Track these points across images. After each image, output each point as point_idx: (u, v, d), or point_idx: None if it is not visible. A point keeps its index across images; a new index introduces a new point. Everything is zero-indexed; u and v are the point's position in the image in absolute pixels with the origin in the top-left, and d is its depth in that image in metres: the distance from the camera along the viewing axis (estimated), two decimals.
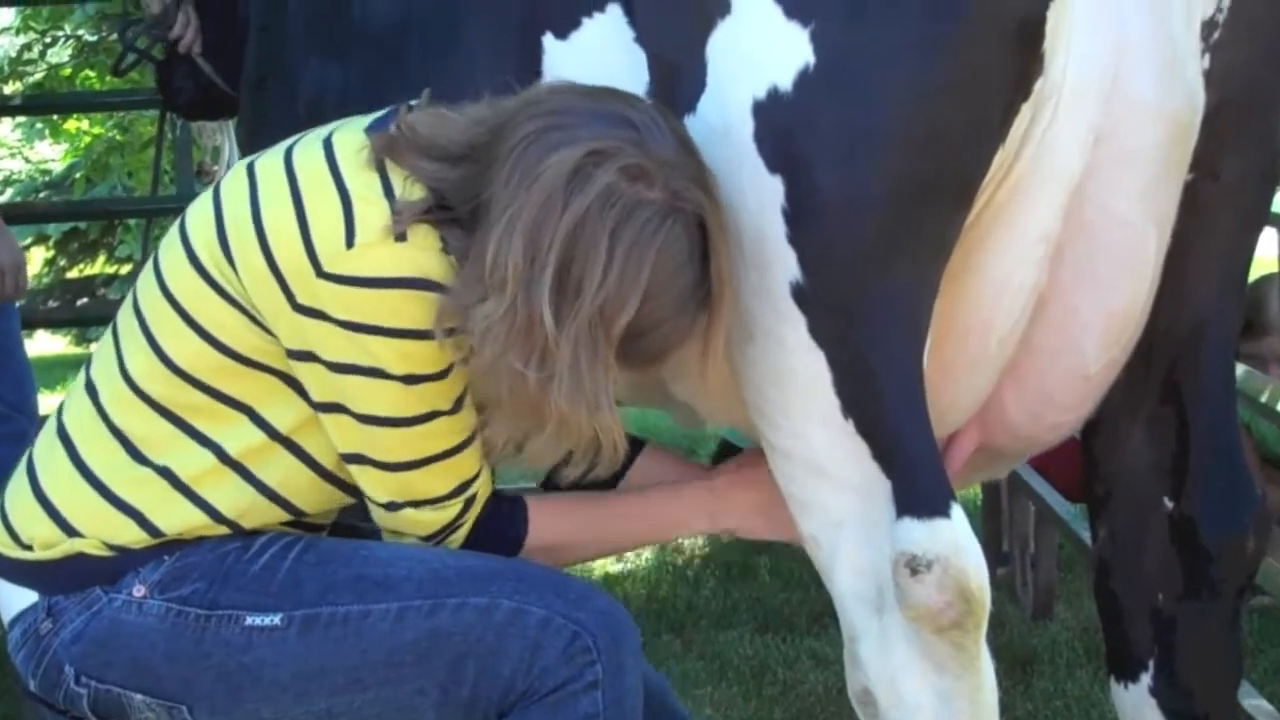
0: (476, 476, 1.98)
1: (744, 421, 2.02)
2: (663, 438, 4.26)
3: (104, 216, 10.94)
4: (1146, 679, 2.15)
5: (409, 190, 1.87)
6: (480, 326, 1.79)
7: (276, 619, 1.92)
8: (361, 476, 1.95)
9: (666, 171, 1.80)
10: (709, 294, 1.84)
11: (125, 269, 13.22)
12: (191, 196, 4.98)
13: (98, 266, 14.10)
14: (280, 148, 1.97)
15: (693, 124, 1.88)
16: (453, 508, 1.97)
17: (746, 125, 1.83)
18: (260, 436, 1.95)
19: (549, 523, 2.04)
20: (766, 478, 2.03)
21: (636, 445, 2.15)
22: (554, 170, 1.78)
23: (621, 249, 1.77)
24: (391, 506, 1.96)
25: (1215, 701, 2.15)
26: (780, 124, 1.82)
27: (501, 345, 1.79)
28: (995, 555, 4.13)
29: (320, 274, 1.85)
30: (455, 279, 1.84)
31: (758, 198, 1.84)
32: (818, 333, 1.85)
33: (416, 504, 1.96)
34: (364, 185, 1.88)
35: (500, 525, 2.02)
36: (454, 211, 1.86)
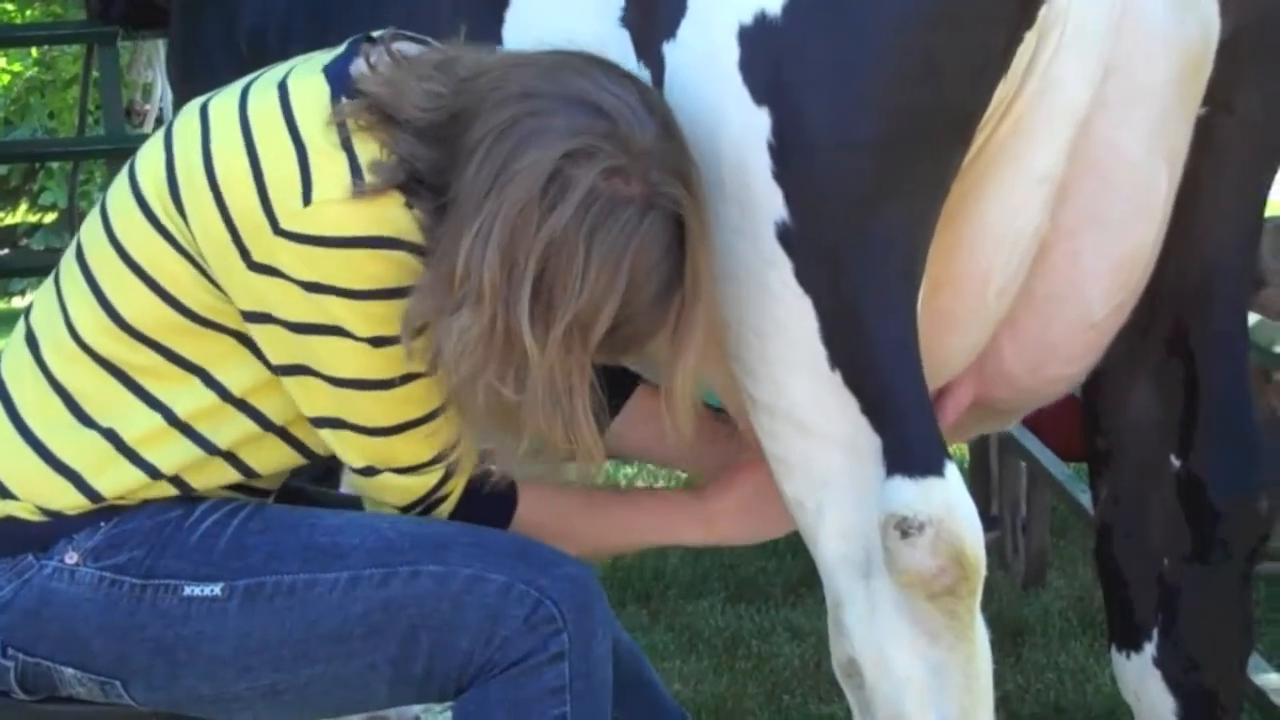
0: (457, 444, 1.96)
1: (718, 378, 2.01)
2: None
3: (26, 159, 10.86)
4: (1150, 648, 2.15)
5: (380, 155, 1.84)
6: (454, 342, 1.78)
7: (217, 589, 1.90)
8: (336, 441, 1.94)
9: (645, 163, 1.78)
10: (682, 286, 1.83)
11: (49, 217, 13.14)
12: (121, 139, 4.96)
13: (19, 215, 14.00)
14: (235, 88, 1.94)
15: (672, 50, 1.86)
16: (433, 474, 1.96)
17: (731, 52, 1.82)
18: (212, 398, 1.93)
19: (540, 505, 2.04)
20: (754, 476, 2.05)
21: (630, 382, 2.16)
22: (528, 175, 1.76)
23: (598, 254, 1.76)
24: (369, 471, 1.95)
25: (1223, 673, 2.15)
26: (768, 52, 1.80)
27: (480, 362, 1.78)
28: (984, 519, 4.13)
29: (277, 231, 1.83)
30: (422, 274, 1.82)
31: (742, 131, 1.82)
32: (804, 278, 1.84)
33: (397, 470, 1.94)
34: (321, 137, 1.85)
35: (488, 501, 2.01)
36: (422, 190, 1.84)
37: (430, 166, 1.83)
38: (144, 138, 2.03)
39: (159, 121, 5.56)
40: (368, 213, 1.83)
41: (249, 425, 1.95)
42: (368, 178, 1.83)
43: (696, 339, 1.84)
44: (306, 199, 1.83)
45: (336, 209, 1.83)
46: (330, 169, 1.84)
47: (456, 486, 1.99)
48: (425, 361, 1.83)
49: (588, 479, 2.00)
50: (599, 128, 1.78)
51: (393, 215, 1.83)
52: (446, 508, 1.99)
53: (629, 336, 1.83)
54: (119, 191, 1.96)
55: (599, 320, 1.78)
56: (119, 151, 4.48)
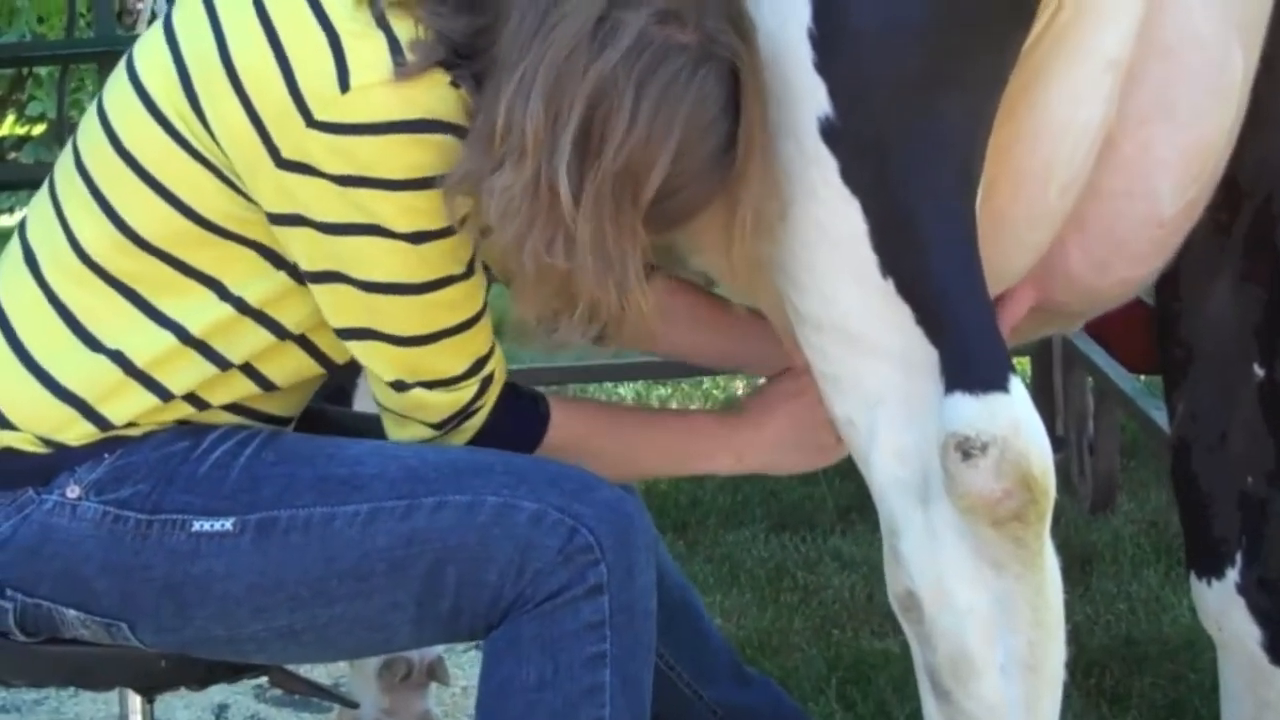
0: (491, 353, 1.97)
1: (770, 299, 1.99)
2: None
3: (11, 64, 10.82)
4: (1233, 575, 2.14)
5: (417, 32, 1.84)
6: (499, 202, 1.78)
7: (228, 524, 1.91)
8: (365, 353, 1.94)
9: (700, 10, 1.78)
10: (737, 150, 1.82)
11: (38, 129, 13.12)
12: (113, 40, 4.94)
13: (6, 128, 13.99)
14: None
15: None
16: (468, 388, 1.96)
17: None
18: (228, 311, 1.93)
19: (570, 422, 2.05)
20: (790, 407, 2.07)
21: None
22: (575, 19, 1.76)
23: (649, 103, 1.76)
24: (400, 386, 1.95)
25: None
26: None
27: (525, 223, 1.78)
28: (1049, 439, 4.12)
29: (311, 123, 1.83)
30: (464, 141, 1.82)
31: (779, 16, 1.80)
32: (851, 177, 1.82)
33: (428, 384, 1.95)
34: (350, 18, 1.85)
35: (519, 416, 2.02)
36: (465, 65, 1.84)
37: (470, 33, 1.83)
38: (137, 39, 2.01)
39: (152, 22, 5.53)
40: (412, 94, 1.82)
41: (266, 336, 1.95)
42: (409, 56, 1.82)
43: (749, 215, 1.84)
44: (344, 85, 1.82)
45: (379, 93, 1.82)
46: (368, 49, 1.83)
47: (490, 399, 1.99)
48: (472, 233, 1.84)
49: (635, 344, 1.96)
50: None
51: (438, 95, 1.83)
52: (477, 421, 1.99)
53: (681, 207, 1.83)
54: (119, 94, 1.94)
55: (650, 177, 1.77)
56: (111, 54, 4.48)
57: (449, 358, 1.94)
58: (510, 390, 2.02)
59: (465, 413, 1.98)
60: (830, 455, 2.12)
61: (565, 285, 1.81)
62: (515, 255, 1.81)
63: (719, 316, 2.24)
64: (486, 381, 1.97)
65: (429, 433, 1.99)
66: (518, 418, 2.02)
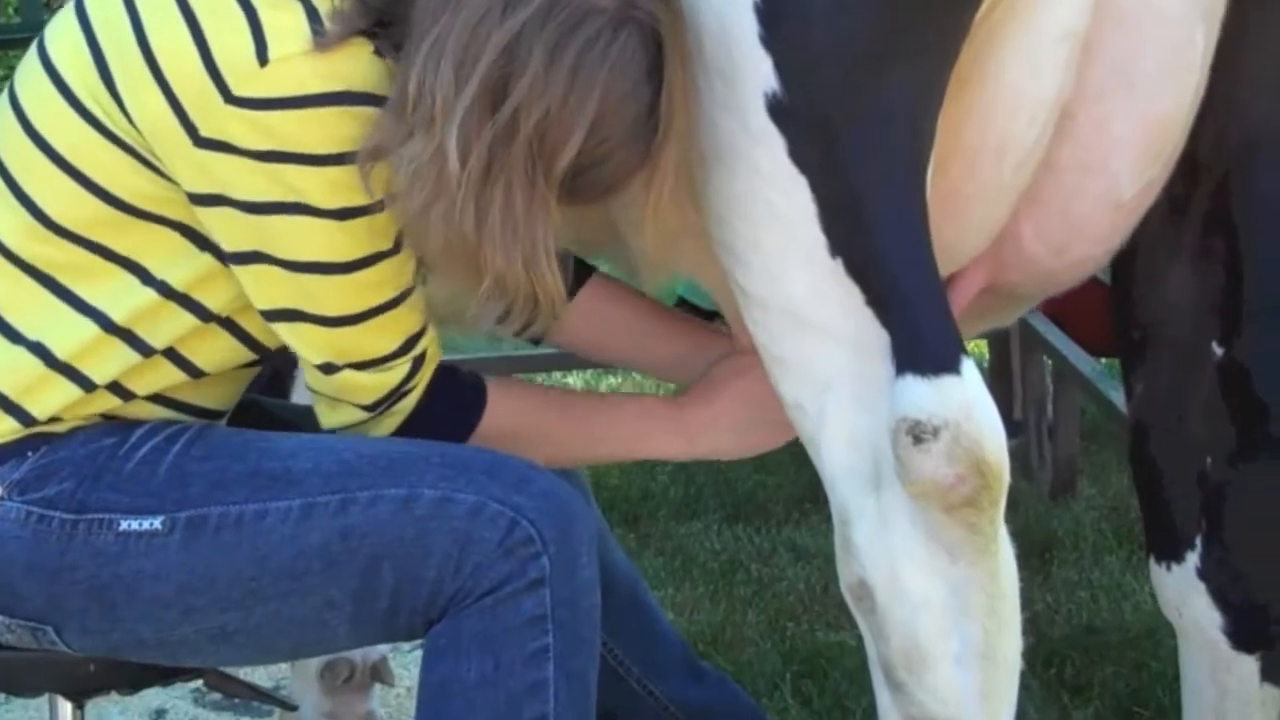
0: (423, 331, 1.96)
1: (690, 265, 1.98)
2: None
3: None
4: (1193, 559, 2.15)
5: (335, 1, 1.84)
6: (407, 170, 1.78)
7: (156, 522, 1.90)
8: (293, 335, 1.93)
9: None
10: (659, 119, 1.81)
11: None
12: (39, 26, 4.89)
13: None
14: None
15: None
16: (399, 368, 1.95)
17: None
18: (151, 296, 1.92)
19: (509, 404, 2.04)
20: (741, 387, 2.06)
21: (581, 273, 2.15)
22: None
23: (564, 68, 1.75)
24: (329, 369, 1.94)
25: (1274, 585, 2.14)
26: None
27: (431, 192, 1.77)
28: (1007, 424, 4.13)
29: (229, 99, 1.82)
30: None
31: None
32: (799, 155, 1.82)
33: (358, 365, 1.94)
34: None
35: (454, 399, 2.01)
36: (387, 33, 1.84)
37: (388, 0, 1.82)
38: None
39: None
40: (333, 65, 1.82)
41: (190, 320, 1.94)
42: (328, 25, 1.82)
43: (667, 182, 1.83)
44: (262, 58, 1.81)
45: (298, 64, 1.81)
46: (285, 20, 1.82)
47: (423, 380, 1.98)
48: (387, 206, 1.83)
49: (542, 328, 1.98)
50: None
51: (361, 65, 1.83)
52: (410, 402, 1.98)
53: (603, 179, 1.82)
54: (31, 78, 1.93)
55: (566, 146, 1.76)
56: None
57: (379, 336, 1.93)
58: (447, 373, 2.01)
59: (398, 393, 1.97)
60: (786, 433, 2.11)
61: (473, 259, 1.80)
62: (422, 226, 1.80)
63: (663, 325, 2.22)
64: (419, 361, 1.96)
65: (361, 415, 1.98)
66: (453, 401, 2.01)
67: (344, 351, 1.93)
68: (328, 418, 2.01)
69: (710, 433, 2.13)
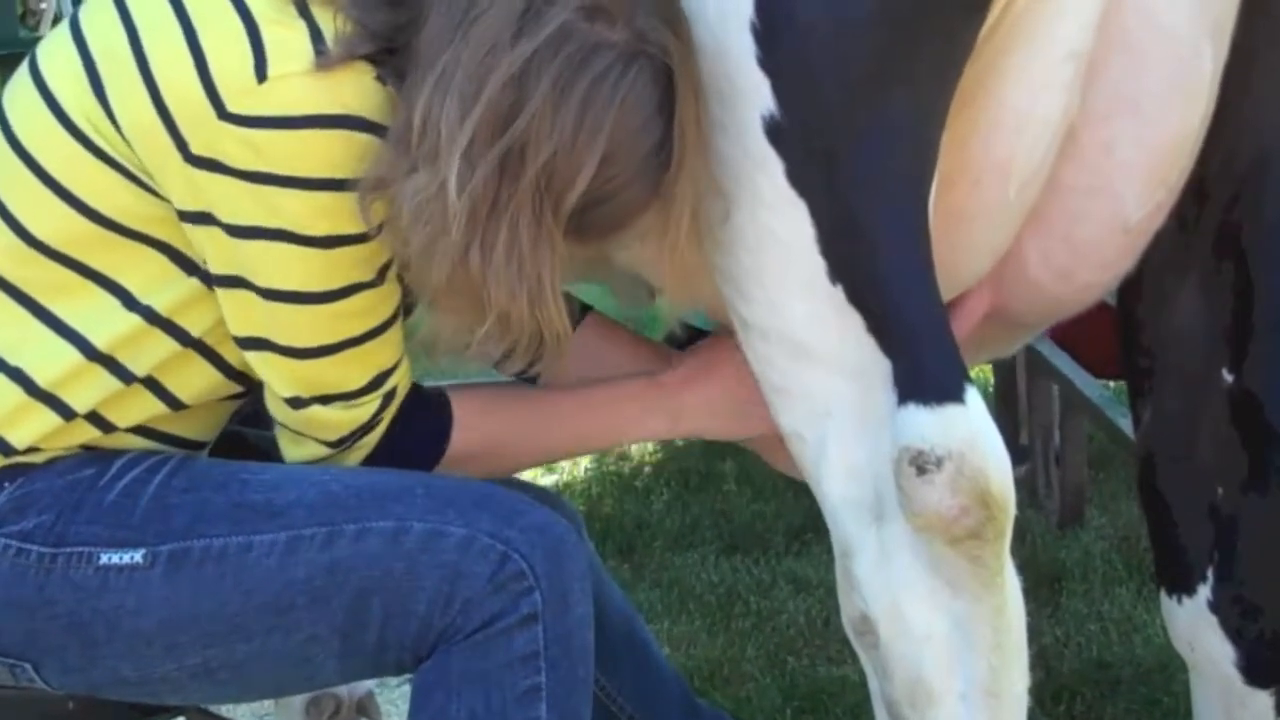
0: (396, 366, 1.96)
1: (709, 301, 2.00)
2: None
3: None
4: (1205, 591, 2.15)
5: (339, 24, 1.84)
6: (410, 204, 1.78)
7: (138, 556, 1.90)
8: (262, 365, 1.93)
9: (630, 6, 1.78)
10: (672, 154, 1.82)
11: None
12: (15, 43, 4.94)
13: None
14: None
15: None
16: (368, 404, 1.96)
17: None
18: (135, 321, 1.92)
19: (478, 423, 2.03)
20: (732, 366, 2.03)
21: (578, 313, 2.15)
22: (497, 14, 1.76)
23: (573, 105, 1.76)
24: (296, 403, 1.94)
25: None
26: None
27: (435, 227, 1.78)
28: (1013, 451, 4.12)
29: (223, 115, 1.83)
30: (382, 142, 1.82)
31: (720, 9, 1.81)
32: (797, 179, 1.83)
33: (326, 399, 1.94)
34: (270, 6, 1.85)
35: (421, 428, 2.01)
36: (391, 61, 1.84)
37: (391, 27, 1.83)
38: (40, 41, 2.00)
39: (56, 23, 5.53)
40: (332, 86, 1.83)
41: (171, 345, 1.94)
42: (332, 47, 1.82)
43: (685, 219, 1.84)
44: (261, 74, 1.82)
45: (297, 83, 1.82)
46: (288, 38, 1.83)
47: (389, 414, 1.99)
48: (390, 238, 1.83)
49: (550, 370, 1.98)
50: None
51: (361, 90, 1.84)
52: (374, 437, 1.99)
53: (612, 215, 1.83)
54: (21, 96, 1.94)
55: (575, 183, 1.77)
56: (13, 57, 4.46)
57: (348, 369, 1.93)
58: (412, 395, 2.01)
59: (364, 429, 1.98)
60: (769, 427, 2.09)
61: (476, 296, 1.81)
62: (426, 262, 1.80)
63: (657, 366, 2.20)
64: (388, 397, 1.97)
65: (324, 451, 1.99)
66: (419, 431, 2.01)
67: (312, 384, 1.93)
68: (290, 452, 2.02)
69: (699, 414, 2.13)
